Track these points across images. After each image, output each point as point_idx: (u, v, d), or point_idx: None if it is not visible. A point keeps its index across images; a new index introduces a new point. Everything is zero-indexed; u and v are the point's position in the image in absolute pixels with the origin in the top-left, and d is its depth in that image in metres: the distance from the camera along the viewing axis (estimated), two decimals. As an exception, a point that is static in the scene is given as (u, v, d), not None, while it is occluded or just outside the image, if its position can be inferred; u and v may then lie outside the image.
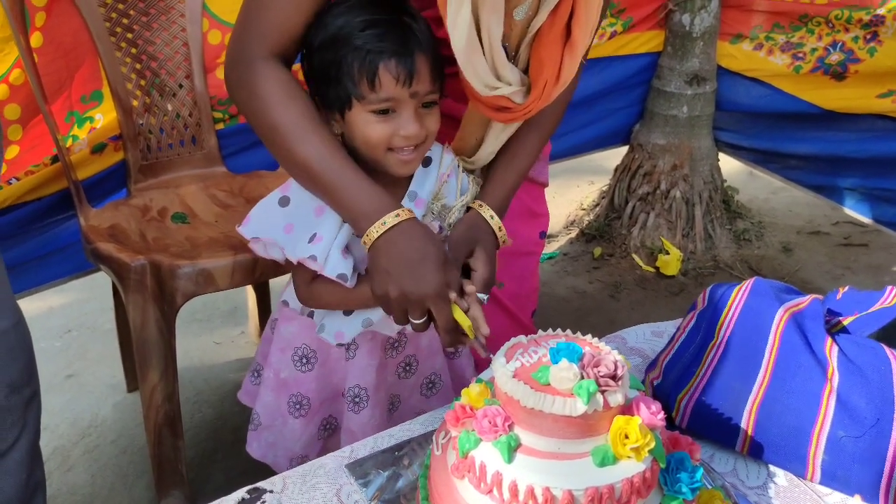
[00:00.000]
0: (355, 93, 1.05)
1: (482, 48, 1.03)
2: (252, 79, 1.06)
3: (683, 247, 2.70)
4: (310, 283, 1.16)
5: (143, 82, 1.82)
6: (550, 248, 2.84)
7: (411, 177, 1.17)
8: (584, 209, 3.03)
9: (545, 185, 1.50)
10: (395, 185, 1.15)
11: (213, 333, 2.37)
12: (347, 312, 1.20)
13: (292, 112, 1.05)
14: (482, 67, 1.04)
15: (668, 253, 2.67)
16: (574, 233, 2.91)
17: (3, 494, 1.32)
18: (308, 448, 1.32)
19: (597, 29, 1.09)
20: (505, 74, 1.05)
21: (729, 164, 2.92)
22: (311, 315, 1.25)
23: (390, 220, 1.02)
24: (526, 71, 1.08)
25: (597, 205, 2.99)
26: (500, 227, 1.18)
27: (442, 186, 1.18)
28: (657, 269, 2.66)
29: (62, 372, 2.19)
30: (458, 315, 1.00)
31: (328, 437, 1.35)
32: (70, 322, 2.41)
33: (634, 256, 2.72)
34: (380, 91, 1.04)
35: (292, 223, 1.12)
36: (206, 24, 1.88)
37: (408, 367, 1.32)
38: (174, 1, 1.82)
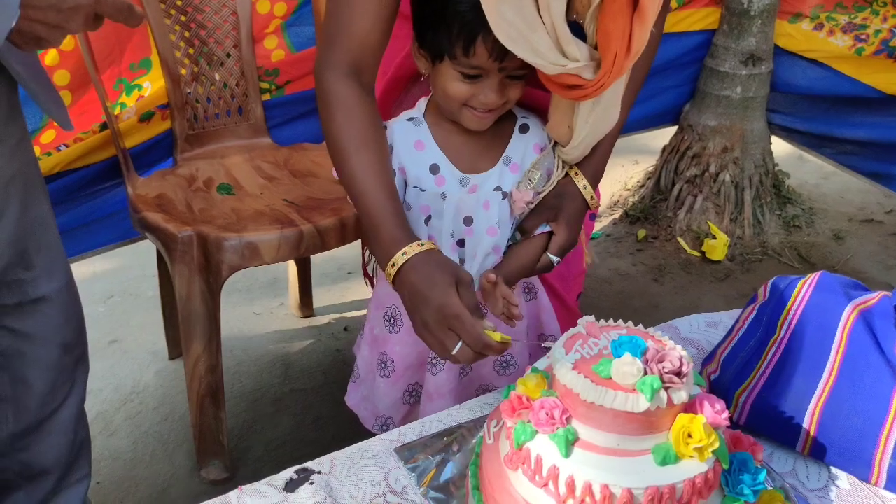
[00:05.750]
0: (449, 51, 1.07)
1: (544, 26, 1.00)
2: (322, 93, 1.10)
3: (731, 231, 2.64)
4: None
5: (191, 51, 1.81)
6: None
7: (508, 140, 1.20)
8: (628, 189, 2.97)
9: None
10: (491, 148, 1.20)
11: (253, 304, 2.38)
12: None
13: (347, 129, 1.08)
14: (545, 46, 1.01)
15: (714, 237, 2.61)
16: (618, 213, 2.86)
17: (53, 452, 1.35)
18: (392, 410, 1.36)
19: None
20: (571, 51, 1.01)
21: (778, 147, 2.83)
22: None
23: (399, 259, 1.02)
24: (595, 45, 1.04)
25: (642, 185, 2.93)
26: (591, 197, 1.24)
27: (541, 156, 1.21)
28: (703, 253, 2.60)
29: (105, 337, 2.21)
30: (487, 332, 0.97)
31: (413, 403, 1.37)
32: (113, 288, 2.44)
33: (680, 240, 2.66)
34: (472, 59, 1.06)
35: None
36: (256, -7, 1.86)
37: None
38: (224, -32, 1.80)
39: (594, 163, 1.25)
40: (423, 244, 1.02)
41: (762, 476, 0.84)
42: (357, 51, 1.09)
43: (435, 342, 0.99)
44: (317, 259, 2.22)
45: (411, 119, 1.21)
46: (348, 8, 1.07)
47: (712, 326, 1.25)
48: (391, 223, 1.04)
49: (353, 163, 1.06)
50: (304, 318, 2.32)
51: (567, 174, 1.24)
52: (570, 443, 0.80)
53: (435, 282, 0.98)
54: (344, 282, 2.48)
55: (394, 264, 1.02)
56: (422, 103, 1.23)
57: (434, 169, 1.18)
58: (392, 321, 1.31)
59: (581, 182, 1.23)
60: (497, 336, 0.96)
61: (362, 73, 1.10)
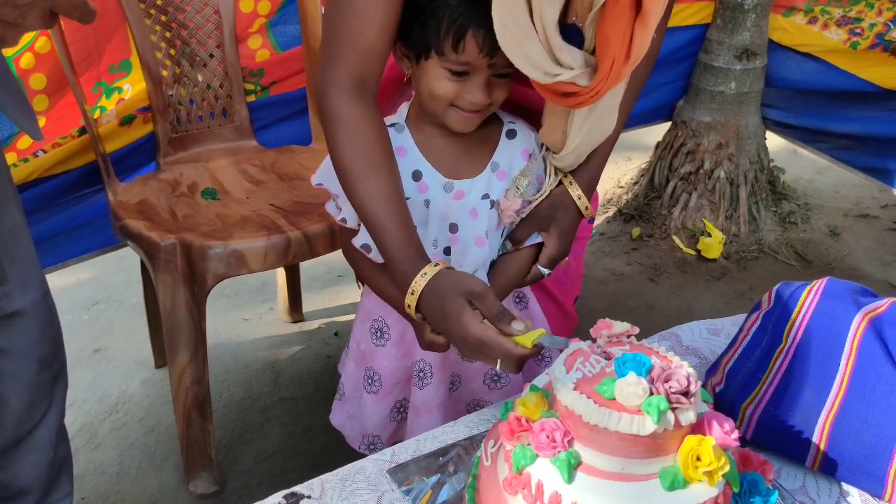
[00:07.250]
0: (437, 47, 1.04)
1: (537, 33, 0.97)
2: (326, 112, 1.06)
3: (726, 229, 2.61)
4: (348, 243, 1.17)
5: (172, 51, 1.76)
6: (586, 226, 2.76)
7: (495, 147, 1.17)
8: (621, 187, 2.93)
9: None
10: (476, 153, 1.16)
11: (241, 309, 2.33)
12: None
13: (354, 153, 1.04)
14: (537, 53, 0.97)
15: (710, 235, 2.58)
16: (611, 212, 2.82)
17: (32, 471, 1.30)
18: (380, 428, 1.32)
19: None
20: (564, 59, 0.97)
21: (772, 143, 2.79)
22: None
23: (411, 300, 0.99)
24: (593, 50, 0.99)
25: (636, 183, 2.89)
26: (586, 207, 1.20)
27: (530, 163, 1.17)
28: (698, 251, 2.57)
29: (90, 346, 2.16)
30: (517, 339, 0.93)
31: (401, 420, 1.34)
32: (97, 294, 2.38)
33: (675, 238, 2.63)
34: (461, 54, 1.03)
35: None
36: (239, -9, 1.81)
37: None
38: (205, -34, 1.75)
39: (589, 171, 1.20)
40: (425, 274, 0.98)
41: (774, 498, 0.80)
42: (364, 62, 1.04)
43: (480, 360, 0.97)
44: (306, 262, 2.17)
45: (392, 125, 1.16)
46: (353, 20, 1.02)
47: (714, 334, 1.21)
48: (400, 257, 1.00)
49: (361, 190, 1.03)
50: (294, 323, 2.27)
51: (560, 183, 1.19)
52: (572, 467, 0.76)
53: (446, 314, 0.94)
54: (334, 285, 2.43)
55: (409, 305, 0.99)
56: (403, 108, 1.19)
57: (416, 175, 1.14)
58: (379, 334, 1.26)
59: (575, 192, 1.19)
60: (528, 342, 0.92)
61: (368, 84, 1.06)
